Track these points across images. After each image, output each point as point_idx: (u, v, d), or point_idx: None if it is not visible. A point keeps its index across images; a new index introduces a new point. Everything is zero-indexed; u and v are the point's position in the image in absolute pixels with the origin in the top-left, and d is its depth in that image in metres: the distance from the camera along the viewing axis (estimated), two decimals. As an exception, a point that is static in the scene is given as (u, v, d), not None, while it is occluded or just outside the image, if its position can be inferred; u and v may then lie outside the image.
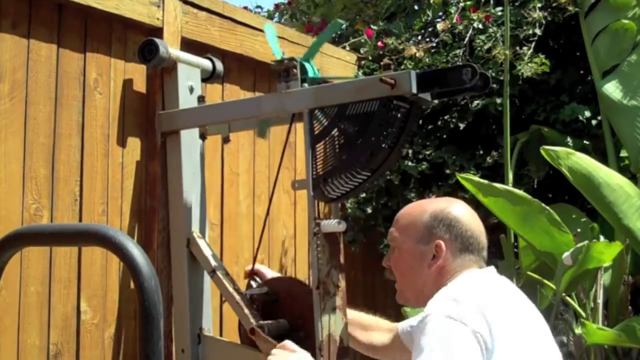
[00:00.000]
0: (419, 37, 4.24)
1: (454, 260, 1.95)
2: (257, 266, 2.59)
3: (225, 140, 2.74)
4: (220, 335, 2.90)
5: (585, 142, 3.72)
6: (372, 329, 2.43)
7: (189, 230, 2.64)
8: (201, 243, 2.63)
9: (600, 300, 3.21)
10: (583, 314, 3.21)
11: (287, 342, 2.03)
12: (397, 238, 2.02)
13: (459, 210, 2.00)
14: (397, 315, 3.40)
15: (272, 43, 2.54)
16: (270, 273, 2.57)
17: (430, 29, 4.37)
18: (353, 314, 2.42)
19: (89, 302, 2.54)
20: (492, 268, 2.02)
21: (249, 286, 2.56)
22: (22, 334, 2.34)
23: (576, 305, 3.25)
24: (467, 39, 3.86)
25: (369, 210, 3.86)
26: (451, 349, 1.72)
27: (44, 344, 2.40)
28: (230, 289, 2.52)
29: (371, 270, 3.92)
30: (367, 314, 2.51)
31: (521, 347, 1.79)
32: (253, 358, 2.43)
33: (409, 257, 1.99)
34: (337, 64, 3.71)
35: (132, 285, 2.60)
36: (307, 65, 2.45)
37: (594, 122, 3.73)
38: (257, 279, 2.58)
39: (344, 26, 4.57)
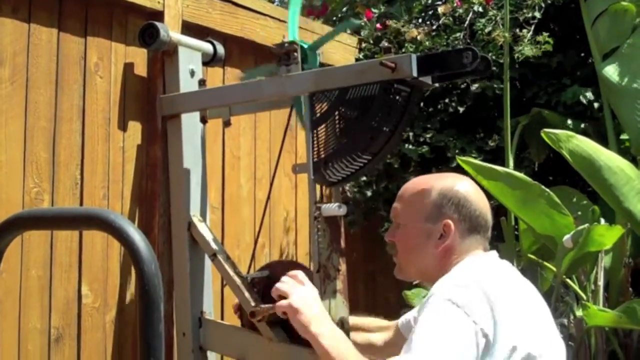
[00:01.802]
0: (419, 20, 4.22)
1: (462, 241, 1.92)
2: None
3: (226, 123, 2.74)
4: (222, 318, 2.91)
5: (585, 124, 3.71)
6: (371, 330, 2.41)
7: (189, 214, 2.65)
8: (202, 227, 2.63)
9: (600, 283, 3.21)
10: (584, 296, 3.22)
11: (299, 273, 2.00)
12: (402, 215, 1.96)
13: (466, 187, 1.96)
14: (397, 298, 3.42)
15: (292, 24, 2.52)
16: None
17: (430, 12, 4.35)
18: (357, 321, 2.39)
19: (90, 286, 2.55)
20: (494, 252, 2.00)
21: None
22: (23, 317, 2.35)
23: (577, 288, 3.26)
24: (467, 22, 3.84)
25: (370, 194, 3.86)
26: (445, 334, 1.71)
27: (44, 327, 2.41)
28: (231, 273, 2.52)
29: (372, 253, 3.93)
30: (364, 315, 2.49)
31: (523, 334, 1.78)
32: (254, 341, 2.44)
33: (415, 236, 1.94)
34: (337, 47, 3.71)
35: (133, 269, 2.61)
36: (309, 53, 2.44)
37: (595, 104, 3.72)
38: None
39: (345, 8, 4.55)
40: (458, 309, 1.72)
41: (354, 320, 2.41)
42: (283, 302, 1.89)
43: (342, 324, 2.32)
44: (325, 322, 1.89)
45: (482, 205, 1.96)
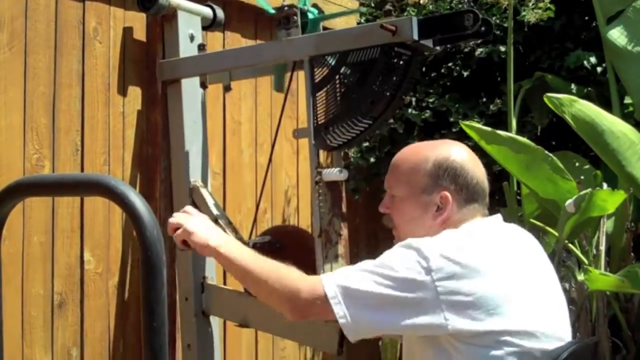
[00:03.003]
0: (422, -17, 4.18)
1: (459, 211, 1.89)
2: None
3: (227, 88, 2.73)
4: (224, 283, 2.92)
5: (589, 89, 3.68)
6: None
7: (191, 179, 2.64)
8: (203, 192, 2.63)
9: (602, 247, 3.21)
10: (585, 260, 3.22)
11: (188, 207, 2.00)
12: (397, 187, 1.92)
13: (462, 155, 1.91)
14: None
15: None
16: None
17: (433, -25, 4.30)
18: None
19: (93, 252, 2.55)
20: (495, 216, 1.97)
21: None
22: (26, 283, 2.36)
23: (578, 252, 3.26)
24: (471, -16, 3.81)
25: (372, 159, 3.85)
26: (390, 266, 1.72)
27: (48, 293, 2.42)
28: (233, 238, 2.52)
29: (374, 218, 3.92)
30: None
31: (511, 294, 1.75)
32: (256, 307, 2.45)
33: (412, 208, 1.90)
34: (339, 10, 3.66)
35: (135, 234, 2.61)
36: (310, 24, 2.42)
37: (599, 69, 3.69)
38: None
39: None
40: (415, 251, 1.72)
41: None
42: (179, 231, 1.90)
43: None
44: (221, 235, 1.91)
45: (478, 172, 1.92)
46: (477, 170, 1.91)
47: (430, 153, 1.91)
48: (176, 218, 1.92)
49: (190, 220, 1.90)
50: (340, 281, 1.74)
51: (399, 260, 1.74)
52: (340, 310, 1.71)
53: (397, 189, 1.93)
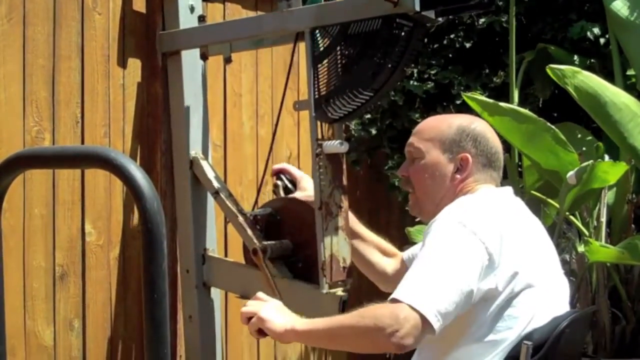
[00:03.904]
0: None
1: (477, 175, 1.97)
2: (284, 165, 2.52)
3: (227, 60, 2.71)
4: (225, 255, 2.92)
5: (591, 60, 3.67)
6: (389, 255, 2.40)
7: (191, 151, 2.64)
8: (204, 164, 2.63)
9: (603, 219, 3.22)
10: (586, 232, 3.23)
11: (259, 294, 2.02)
12: (420, 149, 1.99)
13: (483, 126, 2.02)
14: (399, 235, 3.43)
15: None
16: (298, 172, 2.49)
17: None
18: (373, 237, 2.40)
19: (94, 224, 2.56)
20: (509, 188, 2.03)
21: (275, 186, 2.48)
22: (27, 255, 2.36)
23: (579, 224, 3.26)
24: (473, -46, 3.77)
25: (374, 131, 3.84)
26: (453, 251, 1.74)
27: (49, 265, 2.42)
28: (234, 210, 2.52)
29: (375, 190, 3.93)
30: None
31: (525, 263, 1.81)
32: (257, 278, 2.46)
33: (433, 169, 1.98)
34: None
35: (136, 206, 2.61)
36: None
37: (602, 40, 3.67)
38: (283, 177, 2.49)
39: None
40: (465, 228, 1.77)
41: (374, 237, 2.39)
42: (253, 320, 1.89)
43: (345, 261, 2.33)
44: (296, 317, 1.89)
45: (497, 144, 2.02)
46: (495, 141, 2.02)
47: (453, 120, 2.02)
48: (249, 307, 1.91)
49: (263, 308, 1.88)
50: (420, 296, 1.71)
51: (452, 237, 1.77)
52: (436, 320, 1.69)
53: (419, 152, 2.00)
